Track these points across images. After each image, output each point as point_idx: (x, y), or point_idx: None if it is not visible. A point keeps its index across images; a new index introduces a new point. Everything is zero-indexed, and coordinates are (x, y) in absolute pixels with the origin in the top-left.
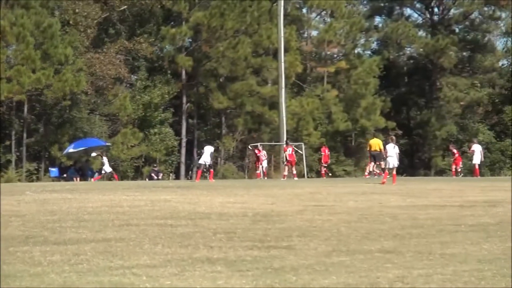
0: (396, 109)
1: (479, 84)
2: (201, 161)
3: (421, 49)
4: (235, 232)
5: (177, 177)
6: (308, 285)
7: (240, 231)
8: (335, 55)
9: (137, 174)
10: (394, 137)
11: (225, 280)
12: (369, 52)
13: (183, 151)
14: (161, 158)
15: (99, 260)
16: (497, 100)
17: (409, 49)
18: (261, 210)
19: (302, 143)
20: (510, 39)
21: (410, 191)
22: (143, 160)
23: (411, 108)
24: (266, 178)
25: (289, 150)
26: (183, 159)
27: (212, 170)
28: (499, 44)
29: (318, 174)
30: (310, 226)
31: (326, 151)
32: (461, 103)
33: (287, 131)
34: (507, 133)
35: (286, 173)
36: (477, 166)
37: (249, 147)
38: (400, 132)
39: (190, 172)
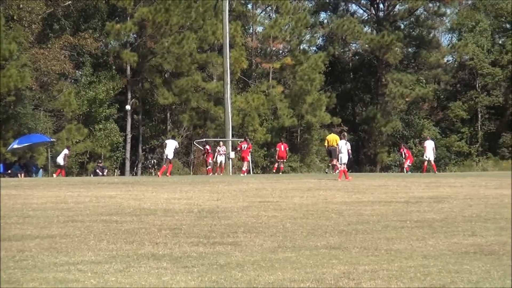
0: (341, 105)
1: (424, 80)
2: (164, 155)
3: (367, 45)
4: (181, 228)
5: (122, 173)
6: (253, 281)
7: (185, 227)
8: (281, 51)
9: (82, 170)
10: (346, 134)
11: (170, 276)
12: (314, 48)
13: (128, 147)
14: (106, 154)
15: (44, 256)
16: (442, 96)
17: (354, 45)
18: (206, 206)
19: (243, 139)
20: (455, 35)
21: (355, 187)
22: (88, 156)
23: (357, 104)
24: (222, 174)
25: (244, 147)
26: (128, 155)
27: (170, 165)
28: (444, 40)
29: (264, 170)
30: (256, 222)
31: (282, 147)
32: (407, 99)
33: (232, 127)
34: (452, 129)
35: (245, 168)
36: (426, 163)
37: (195, 143)
38: (345, 128)
39: (135, 168)
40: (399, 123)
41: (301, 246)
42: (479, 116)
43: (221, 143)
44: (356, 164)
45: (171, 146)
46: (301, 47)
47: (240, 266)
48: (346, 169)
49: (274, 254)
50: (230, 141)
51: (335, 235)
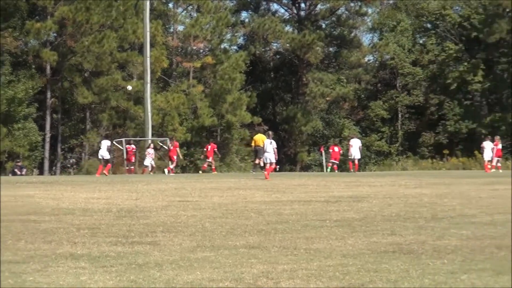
0: (262, 105)
1: (345, 80)
2: (99, 156)
3: (288, 45)
4: (99, 228)
5: (41, 172)
6: (172, 281)
7: (104, 227)
8: (201, 50)
9: (0, 169)
10: (270, 133)
11: (88, 276)
12: (235, 47)
13: (47, 146)
14: (25, 153)
15: None
16: (362, 95)
17: (275, 44)
18: (125, 206)
19: (168, 139)
20: (376, 34)
21: (275, 187)
22: (6, 155)
23: (277, 103)
24: (152, 173)
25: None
26: (47, 154)
27: (108, 164)
28: (365, 39)
29: (184, 170)
30: (175, 222)
31: (210, 147)
32: (327, 98)
33: (152, 126)
34: (373, 129)
35: (172, 166)
36: (356, 161)
37: (114, 142)
38: (266, 127)
39: (54, 167)
40: (319, 122)
41: (220, 245)
42: (399, 116)
43: (151, 145)
44: (276, 163)
45: (104, 146)
46: (222, 46)
47: (158, 265)
48: (273, 168)
49: (193, 254)
50: (150, 140)
51: (254, 234)
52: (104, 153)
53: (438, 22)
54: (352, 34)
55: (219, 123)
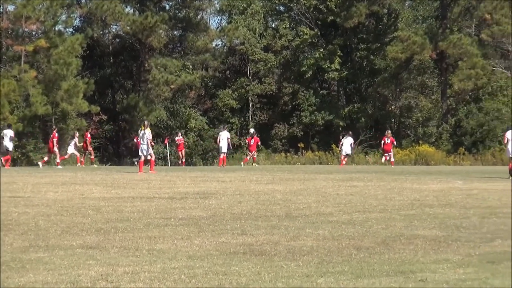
0: (100, 92)
1: (191, 66)
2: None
3: (128, 27)
4: None
5: None
6: (3, 283)
7: None
8: (34, 33)
9: None
10: (146, 123)
11: None
12: (71, 30)
13: None
14: None
15: None
16: (210, 83)
17: (115, 27)
18: None
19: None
20: (224, 17)
21: (115, 182)
22: None
23: (117, 91)
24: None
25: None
26: None
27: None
28: (213, 23)
29: (15, 163)
30: (5, 220)
31: (252, 140)
32: (172, 86)
33: None
34: (221, 119)
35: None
36: (344, 157)
37: None
38: (105, 117)
39: None
40: (163, 112)
41: (55, 245)
42: (250, 106)
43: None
44: (116, 156)
45: (7, 136)
46: (57, 29)
47: None
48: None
49: (25, 254)
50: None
51: (92, 233)
52: (8, 144)
53: (291, 5)
54: (199, 17)
55: (54, 112)
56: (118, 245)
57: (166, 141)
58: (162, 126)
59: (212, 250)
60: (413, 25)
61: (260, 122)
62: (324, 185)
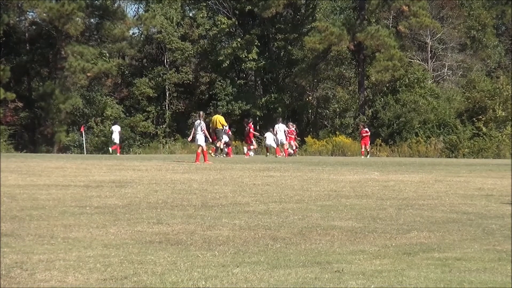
0: (16, 79)
1: (108, 54)
2: None
3: (45, 14)
4: None
5: None
6: None
7: None
8: None
9: None
10: (202, 113)
11: None
12: None
13: None
14: None
15: None
16: (127, 72)
17: (31, 13)
18: None
19: None
20: (141, 6)
21: (30, 169)
22: None
23: (33, 78)
24: None
25: None
26: None
27: None
28: (130, 11)
29: None
30: None
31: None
32: (88, 74)
33: None
34: (138, 108)
35: None
36: (287, 147)
37: None
38: (20, 104)
39: None
40: (79, 100)
41: None
42: (167, 94)
43: None
44: (32, 144)
45: None
46: None
47: None
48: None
49: None
50: None
51: (7, 221)
52: None
53: None
54: (116, 5)
55: None
56: (33, 233)
57: (82, 129)
58: (78, 114)
59: (127, 239)
60: (331, 16)
61: (177, 111)
62: (241, 175)
